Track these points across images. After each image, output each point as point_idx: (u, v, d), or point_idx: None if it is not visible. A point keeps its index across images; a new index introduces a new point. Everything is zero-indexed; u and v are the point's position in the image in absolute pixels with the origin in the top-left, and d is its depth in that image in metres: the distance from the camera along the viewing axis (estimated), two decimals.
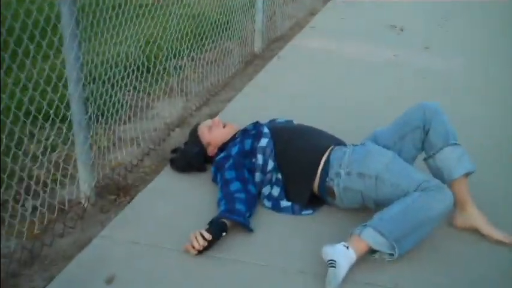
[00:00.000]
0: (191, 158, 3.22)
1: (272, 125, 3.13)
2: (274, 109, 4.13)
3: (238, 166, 2.94)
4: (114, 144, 3.52)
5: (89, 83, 3.65)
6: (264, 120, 3.30)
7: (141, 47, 4.47)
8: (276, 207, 2.89)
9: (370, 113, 4.18)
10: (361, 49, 5.85)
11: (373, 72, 5.20)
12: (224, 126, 3.25)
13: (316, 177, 2.82)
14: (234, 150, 3.03)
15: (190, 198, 3.06)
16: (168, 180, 3.25)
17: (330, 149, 2.87)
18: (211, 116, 4.24)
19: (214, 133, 3.23)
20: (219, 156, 3.11)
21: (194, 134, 3.30)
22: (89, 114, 2.86)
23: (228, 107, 4.41)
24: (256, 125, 3.10)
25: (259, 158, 2.93)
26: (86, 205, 2.94)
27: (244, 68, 5.38)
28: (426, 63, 5.43)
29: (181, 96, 4.56)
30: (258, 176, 2.94)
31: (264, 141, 2.95)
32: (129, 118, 3.95)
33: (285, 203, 2.88)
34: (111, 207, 2.98)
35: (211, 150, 3.24)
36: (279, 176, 2.92)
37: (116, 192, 3.09)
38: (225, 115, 4.17)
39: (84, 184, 2.95)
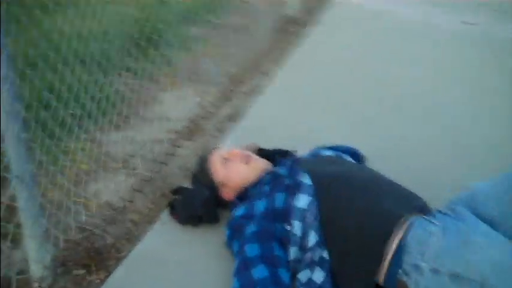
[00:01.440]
0: (198, 207, 2.14)
1: (316, 169, 1.97)
2: (314, 103, 2.99)
3: (264, 236, 1.84)
4: (81, 182, 2.43)
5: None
6: (302, 133, 2.19)
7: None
8: None
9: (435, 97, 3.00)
10: (419, 10, 4.53)
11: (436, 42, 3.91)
12: (247, 162, 2.13)
13: (384, 265, 1.70)
14: (259, 207, 1.92)
15: (195, 272, 1.98)
16: (165, 238, 2.17)
17: (407, 222, 1.73)
18: (231, 117, 3.11)
19: (232, 171, 2.13)
20: (237, 211, 2.00)
21: (203, 167, 2.19)
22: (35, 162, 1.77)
23: (256, 107, 3.26)
24: (293, 169, 1.96)
25: (296, 226, 1.82)
26: None
27: (276, 39, 4.19)
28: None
29: (193, 85, 3.43)
30: (293, 252, 1.84)
31: (303, 200, 1.84)
32: (115, 126, 2.84)
33: None
34: None
35: (226, 193, 2.15)
36: (325, 254, 1.81)
37: (86, 263, 2.03)
38: (251, 120, 3.05)
39: (35, 264, 1.89)
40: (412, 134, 2.92)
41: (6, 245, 1.98)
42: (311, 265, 1.80)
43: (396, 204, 1.79)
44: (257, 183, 2.04)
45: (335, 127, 2.97)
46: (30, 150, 1.76)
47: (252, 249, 1.82)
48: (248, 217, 1.92)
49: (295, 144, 2.41)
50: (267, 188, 1.95)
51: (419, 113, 3.17)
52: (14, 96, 1.62)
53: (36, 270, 1.89)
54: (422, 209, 1.81)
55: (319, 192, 1.83)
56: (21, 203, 1.77)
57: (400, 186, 1.92)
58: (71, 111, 2.44)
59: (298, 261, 1.84)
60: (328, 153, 2.14)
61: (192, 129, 2.98)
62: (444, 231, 1.66)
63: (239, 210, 1.98)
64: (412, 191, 1.91)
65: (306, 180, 1.87)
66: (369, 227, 1.74)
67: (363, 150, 2.45)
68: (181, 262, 2.02)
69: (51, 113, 2.14)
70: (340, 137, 2.62)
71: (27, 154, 1.73)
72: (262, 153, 2.28)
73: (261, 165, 2.12)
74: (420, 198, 1.89)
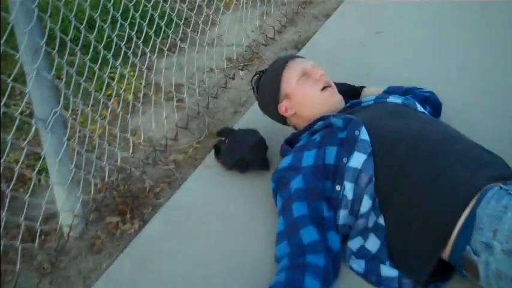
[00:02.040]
0: (246, 151, 1.89)
1: (378, 123, 1.61)
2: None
3: (312, 195, 1.57)
4: (122, 115, 2.22)
5: None
6: (373, 65, 1.88)
7: None
8: (371, 274, 1.50)
9: None
10: None
11: None
12: (323, 89, 1.82)
13: (450, 239, 1.40)
14: (308, 158, 1.63)
15: (237, 229, 1.77)
16: (208, 185, 1.96)
17: (480, 191, 1.40)
18: (295, 45, 2.78)
19: (304, 91, 1.82)
20: (282, 163, 1.73)
21: (276, 71, 1.88)
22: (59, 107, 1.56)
23: (322, 32, 2.89)
24: (350, 121, 1.62)
25: (348, 188, 1.53)
26: (66, 237, 1.76)
27: None
28: None
29: (255, 5, 3.09)
30: (342, 216, 1.56)
31: (358, 159, 1.53)
32: (167, 50, 2.57)
33: (388, 271, 1.49)
34: (108, 242, 1.77)
35: (285, 109, 1.88)
36: (381, 220, 1.53)
37: (121, 210, 1.86)
38: (316, 48, 2.70)
39: (64, 212, 1.74)
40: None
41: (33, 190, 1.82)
42: (364, 232, 1.53)
43: (470, 170, 1.45)
44: (309, 128, 1.76)
45: (412, 60, 2.58)
46: (55, 90, 1.55)
47: (298, 208, 1.57)
48: (294, 169, 1.65)
49: (363, 79, 2.09)
50: (318, 137, 1.66)
51: None
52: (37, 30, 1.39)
53: (65, 218, 1.74)
54: (502, 176, 1.46)
55: (378, 151, 1.53)
56: (45, 148, 1.58)
57: (478, 147, 1.57)
58: (117, 32, 2.19)
59: (348, 227, 1.57)
60: (398, 100, 1.80)
61: (249, 57, 2.68)
62: None
63: (284, 162, 1.71)
64: (494, 152, 1.57)
65: (363, 135, 1.56)
66: (435, 195, 1.43)
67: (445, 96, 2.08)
68: (223, 215, 1.80)
69: (95, 33, 1.90)
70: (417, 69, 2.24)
71: (52, 94, 1.52)
72: None
73: (335, 101, 1.83)
74: (502, 162, 1.54)
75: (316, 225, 1.53)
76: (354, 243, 1.55)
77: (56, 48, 1.58)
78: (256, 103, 2.34)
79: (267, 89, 1.90)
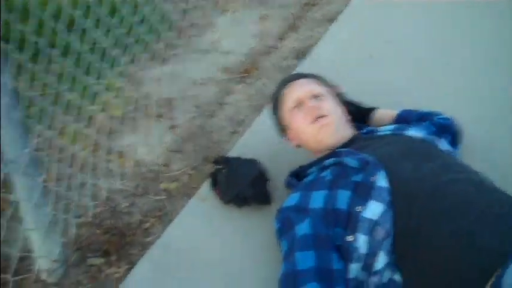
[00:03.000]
0: (245, 185, 1.70)
1: (399, 167, 1.40)
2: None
3: (321, 244, 1.38)
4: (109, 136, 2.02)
5: None
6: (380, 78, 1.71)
7: None
8: None
9: None
10: None
11: None
12: (312, 122, 1.63)
13: None
14: (317, 200, 1.43)
15: (235, 273, 1.58)
16: (203, 220, 1.76)
17: (506, 260, 1.22)
18: (297, 53, 2.57)
19: (294, 123, 1.69)
20: (287, 201, 1.53)
21: (276, 99, 1.78)
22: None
23: (326, 38, 2.68)
24: (365, 163, 1.42)
25: (361, 241, 1.33)
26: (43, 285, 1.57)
27: None
28: None
29: (255, 7, 2.87)
30: (353, 269, 1.36)
31: (375, 209, 1.32)
32: (156, 58, 2.36)
33: None
34: None
35: (290, 138, 1.77)
36: (397, 277, 1.34)
37: (105, 250, 1.67)
38: (320, 56, 2.49)
39: (42, 258, 1.54)
40: None
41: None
42: None
43: (497, 234, 1.26)
44: (319, 162, 1.57)
45: (423, 72, 2.39)
46: (26, 129, 1.35)
47: (305, 259, 1.38)
48: (301, 210, 1.46)
49: (371, 94, 1.91)
50: (328, 175, 1.47)
51: None
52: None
53: (43, 263, 1.54)
54: None
55: (397, 201, 1.34)
56: (18, 193, 1.38)
57: (501, 197, 1.38)
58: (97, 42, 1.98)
59: (360, 282, 1.39)
60: (419, 134, 1.60)
61: (246, 68, 2.48)
62: None
63: (290, 200, 1.52)
64: None
65: (381, 181, 1.37)
66: (458, 260, 1.25)
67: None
68: (219, 259, 1.61)
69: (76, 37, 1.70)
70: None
71: (23, 134, 1.32)
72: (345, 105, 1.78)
73: (330, 133, 1.62)
74: None
75: (322, 281, 1.34)
76: None
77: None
78: (255, 122, 2.16)
79: (274, 118, 1.78)
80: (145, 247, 1.67)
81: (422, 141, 1.56)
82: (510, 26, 2.70)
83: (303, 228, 1.42)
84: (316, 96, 1.65)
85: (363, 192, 1.37)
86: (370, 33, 2.71)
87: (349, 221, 1.36)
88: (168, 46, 2.39)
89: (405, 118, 1.77)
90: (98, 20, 2.22)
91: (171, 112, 2.13)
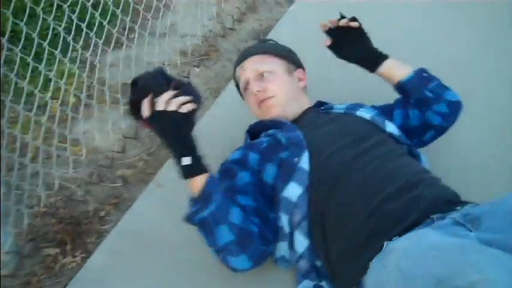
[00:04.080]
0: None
1: (325, 148, 1.42)
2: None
3: (261, 190, 1.45)
4: (61, 125, 1.97)
5: None
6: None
7: None
8: None
9: None
10: None
11: None
12: (260, 103, 1.64)
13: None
14: (252, 160, 1.48)
15: (194, 259, 1.57)
16: (160, 206, 1.75)
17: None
18: (256, 35, 2.56)
19: (251, 107, 1.71)
20: (232, 154, 1.55)
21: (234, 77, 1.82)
22: None
23: (285, 20, 2.67)
24: (291, 142, 1.44)
25: (283, 220, 1.37)
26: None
27: None
28: None
29: None
30: (283, 249, 1.41)
31: (293, 191, 1.35)
32: (114, 43, 2.31)
33: None
34: (46, 279, 1.55)
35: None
36: (318, 263, 1.36)
37: (60, 240, 1.64)
38: (278, 38, 2.48)
39: None
40: None
41: None
42: (308, 274, 1.37)
43: (395, 212, 1.25)
44: (266, 128, 1.59)
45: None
46: None
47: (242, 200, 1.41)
48: (241, 164, 1.48)
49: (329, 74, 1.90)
50: (265, 142, 1.50)
51: None
52: None
53: None
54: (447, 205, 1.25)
55: (314, 184, 1.35)
56: None
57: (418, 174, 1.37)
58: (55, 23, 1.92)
59: (288, 262, 1.41)
60: (367, 115, 1.56)
61: (205, 51, 2.45)
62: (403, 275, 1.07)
63: (233, 155, 1.54)
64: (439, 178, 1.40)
65: (304, 162, 1.38)
66: (352, 246, 1.27)
67: None
68: (176, 244, 1.60)
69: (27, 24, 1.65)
70: None
71: None
72: None
73: (274, 114, 1.62)
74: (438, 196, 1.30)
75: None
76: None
77: None
78: (213, 104, 2.14)
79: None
80: (101, 235, 1.65)
81: (366, 122, 1.55)
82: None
83: (242, 178, 1.45)
84: (262, 75, 1.64)
85: (286, 172, 1.39)
86: (328, 14, 2.69)
87: (273, 196, 1.40)
88: (124, 30, 2.34)
89: (408, 90, 1.61)
90: (50, 5, 2.16)
91: (126, 98, 2.09)
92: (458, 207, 1.23)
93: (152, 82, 1.35)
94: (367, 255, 1.18)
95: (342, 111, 1.62)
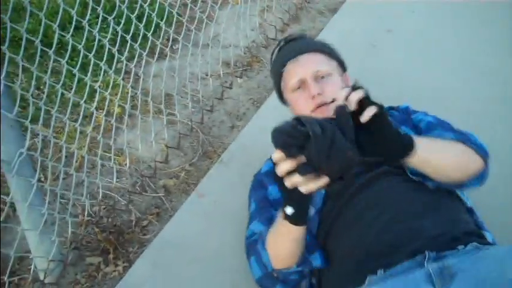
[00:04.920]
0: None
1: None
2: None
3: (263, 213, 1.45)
4: (106, 136, 2.00)
5: None
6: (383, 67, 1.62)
7: None
8: None
9: None
10: None
11: None
12: (317, 108, 1.42)
13: None
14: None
15: (238, 269, 1.56)
16: (202, 216, 1.74)
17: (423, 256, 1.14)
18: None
19: (301, 111, 1.46)
20: (264, 166, 1.57)
21: (274, 73, 1.62)
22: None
23: (329, 28, 2.65)
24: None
25: None
26: (41, 284, 1.56)
27: None
28: None
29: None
30: None
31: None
32: (158, 53, 2.34)
33: None
34: None
35: None
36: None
37: (103, 249, 1.66)
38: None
39: (39, 258, 1.53)
40: None
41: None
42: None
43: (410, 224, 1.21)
44: None
45: (425, 62, 2.35)
46: (21, 129, 1.34)
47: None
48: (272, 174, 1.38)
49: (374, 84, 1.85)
50: None
51: None
52: None
53: (40, 263, 1.53)
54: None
55: (326, 210, 1.33)
56: (13, 193, 1.37)
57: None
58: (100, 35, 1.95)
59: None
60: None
61: (248, 61, 2.45)
62: None
63: (265, 166, 1.54)
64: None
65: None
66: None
67: None
68: (218, 254, 1.59)
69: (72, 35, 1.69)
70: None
71: (19, 133, 1.31)
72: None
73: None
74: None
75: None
76: None
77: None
78: (255, 116, 2.13)
79: (275, 88, 1.61)
80: (143, 245, 1.66)
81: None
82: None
83: (275, 191, 1.43)
84: (322, 77, 1.44)
85: None
86: (371, 23, 2.66)
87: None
88: (168, 41, 2.36)
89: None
90: (96, 17, 2.21)
91: (170, 108, 2.11)
92: (461, 246, 1.14)
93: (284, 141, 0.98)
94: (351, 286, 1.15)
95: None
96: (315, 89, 1.40)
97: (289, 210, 1.11)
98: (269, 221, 1.34)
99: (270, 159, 1.51)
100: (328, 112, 1.33)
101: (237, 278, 1.51)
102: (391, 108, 1.54)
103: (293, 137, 0.94)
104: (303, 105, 1.43)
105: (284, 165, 0.97)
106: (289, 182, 0.99)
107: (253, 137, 2.01)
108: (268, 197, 1.47)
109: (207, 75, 2.31)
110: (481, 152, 1.29)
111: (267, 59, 2.47)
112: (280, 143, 0.95)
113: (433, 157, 1.17)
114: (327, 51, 1.53)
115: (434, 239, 1.17)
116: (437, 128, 1.39)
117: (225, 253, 1.59)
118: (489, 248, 1.13)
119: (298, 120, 0.95)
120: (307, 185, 0.97)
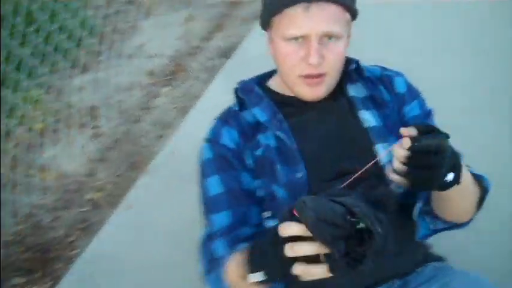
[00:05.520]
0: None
1: (315, 162, 1.11)
2: None
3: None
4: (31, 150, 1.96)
5: None
6: None
7: None
8: None
9: None
10: None
11: None
12: (306, 77, 1.09)
13: None
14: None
15: (168, 279, 1.56)
16: (131, 227, 1.73)
17: None
18: (223, 52, 2.56)
19: (285, 66, 1.12)
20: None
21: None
22: None
23: (252, 36, 2.68)
24: (292, 154, 1.11)
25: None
26: None
27: None
28: None
29: (180, 9, 2.84)
30: None
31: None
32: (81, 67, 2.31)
33: None
34: None
35: None
36: None
37: (29, 268, 1.61)
38: (246, 54, 2.50)
39: None
40: None
41: None
42: None
43: None
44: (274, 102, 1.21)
45: None
46: None
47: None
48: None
49: None
50: (272, 141, 1.17)
51: None
52: None
53: None
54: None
55: None
56: None
57: None
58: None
59: None
60: (372, 121, 1.16)
61: (173, 70, 2.45)
62: None
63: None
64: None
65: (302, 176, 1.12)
66: None
67: None
68: (147, 266, 1.58)
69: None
70: None
71: None
72: None
73: (312, 96, 1.15)
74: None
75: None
76: None
77: None
78: (182, 124, 2.14)
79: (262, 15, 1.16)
80: (70, 261, 1.63)
81: (365, 131, 1.16)
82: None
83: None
84: (329, 37, 1.12)
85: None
86: None
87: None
88: (90, 53, 2.33)
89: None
90: (12, 29, 2.15)
91: (95, 120, 2.08)
92: (419, 269, 1.10)
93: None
94: None
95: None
96: (315, 58, 1.09)
97: (259, 276, 0.86)
98: (243, 219, 1.11)
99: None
100: (318, 87, 1.13)
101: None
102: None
103: (343, 228, 0.76)
104: (292, 65, 1.12)
105: (306, 249, 0.77)
106: (303, 272, 0.78)
107: (180, 145, 2.01)
108: (227, 156, 1.14)
109: (131, 86, 2.30)
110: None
111: (192, 67, 2.48)
112: (328, 236, 0.76)
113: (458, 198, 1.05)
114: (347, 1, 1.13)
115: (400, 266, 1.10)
116: None
117: (154, 263, 1.58)
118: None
119: (348, 210, 0.78)
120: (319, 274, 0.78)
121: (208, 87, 2.30)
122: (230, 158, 1.13)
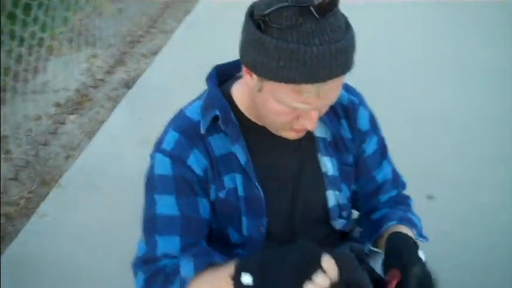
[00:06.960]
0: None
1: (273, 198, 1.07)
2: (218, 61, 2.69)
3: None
4: None
5: None
6: None
7: None
8: None
9: None
10: None
11: None
12: (294, 130, 1.01)
13: None
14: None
15: (83, 276, 1.73)
16: (45, 233, 1.89)
17: None
18: (125, 84, 2.81)
19: (273, 116, 0.99)
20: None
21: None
22: None
23: (152, 69, 2.96)
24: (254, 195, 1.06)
25: None
26: None
27: None
28: None
29: (82, 49, 3.07)
30: None
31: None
32: None
33: None
34: None
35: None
36: None
37: None
38: (146, 84, 2.76)
39: None
40: None
41: None
42: None
43: None
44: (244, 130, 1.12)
45: None
46: None
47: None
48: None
49: None
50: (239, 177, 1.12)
51: None
52: None
53: None
54: None
55: None
56: None
57: None
58: None
59: None
60: (330, 167, 1.12)
61: (79, 101, 2.65)
62: None
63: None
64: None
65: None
66: None
67: None
68: (66, 262, 1.75)
69: None
70: None
71: None
72: None
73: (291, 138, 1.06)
74: None
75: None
76: None
77: None
78: (89, 145, 2.33)
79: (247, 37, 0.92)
80: None
81: (322, 176, 1.12)
82: None
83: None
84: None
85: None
86: (188, 60, 3.02)
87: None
88: (3, 90, 2.50)
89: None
90: None
91: (6, 146, 2.24)
92: None
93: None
94: None
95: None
96: (314, 127, 1.00)
97: (247, 278, 0.84)
98: (198, 236, 1.04)
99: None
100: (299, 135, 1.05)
101: None
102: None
103: None
104: (282, 122, 0.99)
105: None
106: None
107: (88, 162, 2.21)
108: (191, 180, 1.02)
109: (40, 116, 2.47)
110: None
111: (97, 97, 2.69)
112: None
113: None
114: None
115: None
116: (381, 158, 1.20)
117: (70, 269, 1.73)
118: None
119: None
120: None
121: (113, 112, 2.53)
122: (195, 184, 1.02)
